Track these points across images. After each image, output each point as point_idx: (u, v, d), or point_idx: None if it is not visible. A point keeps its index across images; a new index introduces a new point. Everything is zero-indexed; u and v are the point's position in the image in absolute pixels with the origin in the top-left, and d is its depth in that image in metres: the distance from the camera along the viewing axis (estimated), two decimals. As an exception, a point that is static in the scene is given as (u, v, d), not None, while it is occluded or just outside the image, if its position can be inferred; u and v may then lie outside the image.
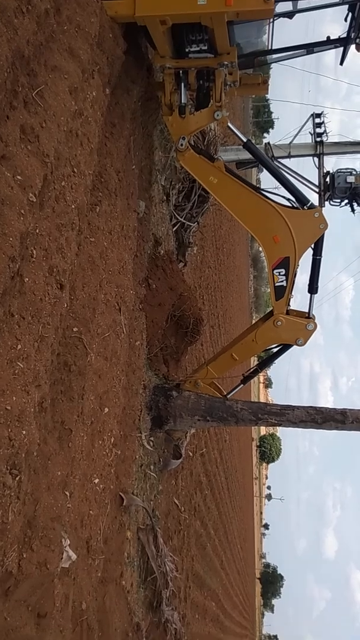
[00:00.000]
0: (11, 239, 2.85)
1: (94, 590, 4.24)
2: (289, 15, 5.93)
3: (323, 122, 13.15)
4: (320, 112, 13.27)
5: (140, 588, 5.82)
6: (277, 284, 6.38)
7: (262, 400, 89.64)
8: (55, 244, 3.51)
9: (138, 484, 5.96)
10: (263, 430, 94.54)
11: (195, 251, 10.91)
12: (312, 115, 13.26)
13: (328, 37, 6.51)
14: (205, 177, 6.20)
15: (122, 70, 5.17)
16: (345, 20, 6.28)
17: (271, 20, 5.74)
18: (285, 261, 6.26)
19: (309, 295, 6.71)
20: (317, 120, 13.16)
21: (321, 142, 13.05)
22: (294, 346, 6.72)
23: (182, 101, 5.77)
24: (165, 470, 7.20)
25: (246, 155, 10.43)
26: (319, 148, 13.03)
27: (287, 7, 5.96)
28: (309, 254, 6.43)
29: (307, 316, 6.58)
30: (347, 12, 6.12)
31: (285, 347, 6.82)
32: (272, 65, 7.36)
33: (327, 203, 12.68)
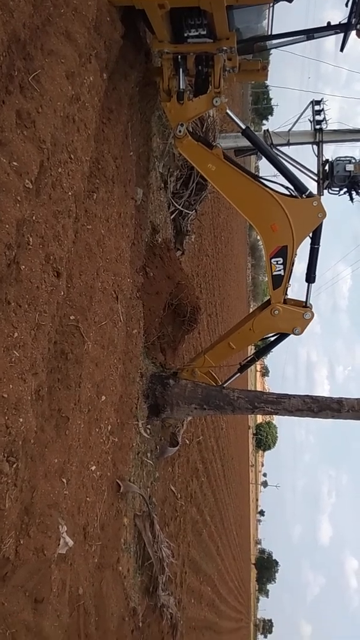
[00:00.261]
0: (7, 226, 2.83)
1: (91, 575, 4.28)
2: (289, -1, 5.83)
3: (323, 110, 13.06)
4: (320, 99, 13.17)
5: (137, 574, 5.88)
6: (274, 273, 6.36)
7: (258, 388, 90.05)
8: (52, 231, 3.49)
9: (135, 471, 5.99)
10: (259, 418, 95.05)
11: (193, 239, 10.86)
12: (311, 102, 13.17)
13: (328, 23, 6.43)
14: (204, 165, 6.16)
15: (120, 55, 5.10)
16: (346, 5, 6.20)
17: (271, 4, 5.65)
18: (283, 250, 6.25)
19: (306, 284, 6.71)
20: (317, 107, 13.07)
21: (320, 129, 12.97)
22: (291, 335, 6.73)
23: (181, 87, 5.70)
24: (162, 457, 7.24)
25: (245, 143, 10.36)
26: (318, 136, 12.95)
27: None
28: (306, 242, 6.42)
29: (305, 305, 6.58)
30: (348, -3, 6.05)
31: (282, 336, 6.83)
32: (272, 51, 7.28)
33: (325, 191, 12.62)
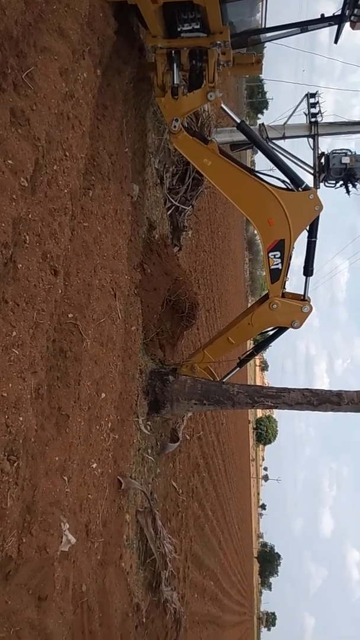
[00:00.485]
0: (3, 224, 2.82)
1: (94, 572, 4.29)
2: (283, -8, 5.81)
3: (318, 102, 13.02)
4: (314, 91, 13.13)
5: (140, 569, 5.90)
6: (272, 267, 6.36)
7: (258, 382, 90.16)
8: (48, 229, 3.48)
9: (136, 467, 6.01)
10: (260, 412, 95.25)
11: (190, 235, 10.84)
12: (306, 95, 13.13)
13: (322, 15, 6.40)
14: (199, 160, 6.14)
15: (114, 51, 5.07)
16: (340, -3, 6.17)
17: (264, -3, 5.63)
18: (281, 244, 6.24)
19: (304, 277, 6.71)
20: (312, 100, 13.04)
21: (316, 122, 12.93)
22: (290, 329, 6.73)
23: (175, 82, 5.68)
24: (162, 453, 7.25)
25: (240, 137, 10.33)
26: (313, 129, 12.92)
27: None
28: (304, 236, 6.41)
29: (303, 299, 6.59)
30: (341, -12, 6.01)
31: (281, 330, 6.83)
32: (266, 45, 7.24)
33: (322, 184, 12.61)
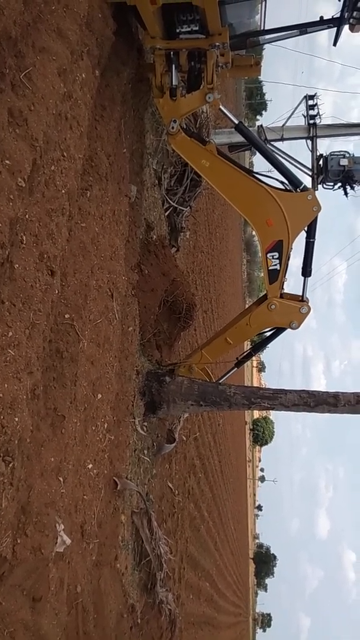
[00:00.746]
0: (0, 225, 2.82)
1: (89, 573, 4.29)
2: (282, -6, 5.82)
3: (316, 104, 13.01)
4: (313, 93, 13.12)
5: (135, 570, 5.89)
6: (270, 268, 6.37)
7: (255, 384, 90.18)
8: (46, 229, 3.48)
9: (132, 468, 6.00)
10: (256, 413, 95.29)
11: (188, 236, 10.85)
12: (305, 97, 13.11)
13: (321, 18, 6.40)
14: (197, 161, 6.15)
15: (112, 52, 5.07)
16: (339, 0, 6.18)
17: (263, -1, 5.64)
18: (279, 244, 6.25)
19: (302, 278, 6.71)
20: (310, 102, 13.01)
21: (314, 124, 12.92)
22: (288, 330, 6.74)
23: (173, 83, 5.69)
24: (159, 454, 7.25)
25: (239, 138, 10.32)
26: (312, 130, 12.91)
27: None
28: (302, 237, 6.42)
29: (301, 299, 6.59)
30: (341, -9, 6.02)
31: (279, 331, 6.84)
32: (265, 47, 7.25)
33: (320, 186, 12.61)
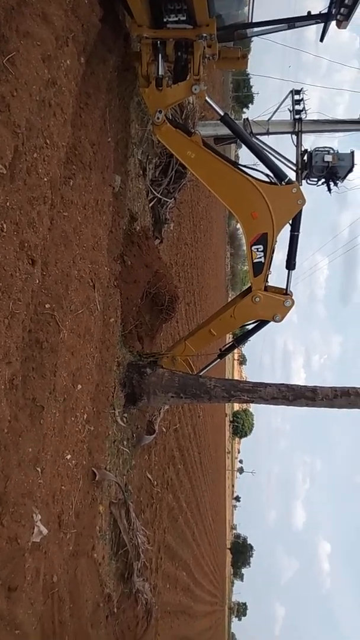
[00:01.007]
0: (-20, 212, 2.77)
1: (65, 563, 4.29)
2: (270, -13, 5.79)
3: (302, 99, 13.04)
4: (299, 88, 13.14)
5: (112, 560, 5.92)
6: (255, 260, 6.40)
7: (236, 376, 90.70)
8: (27, 218, 3.43)
9: (111, 459, 6.01)
10: (237, 406, 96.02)
11: (172, 228, 10.82)
12: (291, 91, 13.13)
13: (309, 13, 6.40)
14: (183, 152, 6.11)
15: (98, 39, 5.00)
16: (327, -5, 6.17)
17: (252, -9, 5.61)
18: (264, 237, 6.27)
19: (286, 271, 6.75)
20: (297, 97, 13.04)
21: (300, 119, 12.97)
22: (271, 322, 6.78)
23: (160, 73, 5.63)
24: (138, 445, 7.27)
25: (224, 131, 10.29)
26: (297, 125, 12.95)
27: (268, -22, 5.82)
28: (286, 231, 6.45)
29: (285, 293, 6.64)
30: (329, -13, 6.01)
31: (262, 323, 6.88)
32: (253, 39, 7.21)
33: (304, 182, 12.67)
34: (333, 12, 6.12)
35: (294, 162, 12.72)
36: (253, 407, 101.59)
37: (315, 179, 12.75)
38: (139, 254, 7.06)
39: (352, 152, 12.74)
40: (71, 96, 4.26)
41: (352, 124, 13.27)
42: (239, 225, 6.53)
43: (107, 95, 5.52)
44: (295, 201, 6.20)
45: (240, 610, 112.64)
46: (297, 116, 12.98)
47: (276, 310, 6.61)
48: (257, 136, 12.61)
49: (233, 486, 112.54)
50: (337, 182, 12.70)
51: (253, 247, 6.34)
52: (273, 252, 6.40)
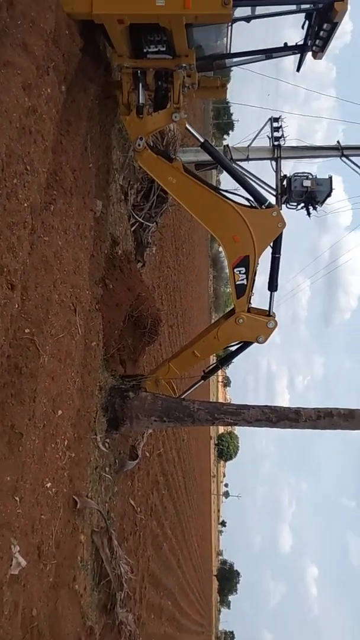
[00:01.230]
0: None
1: (46, 595, 4.16)
2: (247, 19, 5.98)
3: (281, 127, 13.39)
4: (278, 116, 13.50)
5: (94, 591, 5.76)
6: (237, 283, 6.47)
7: (220, 398, 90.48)
8: (6, 243, 3.43)
9: (93, 486, 5.90)
10: (221, 428, 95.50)
11: (154, 251, 10.88)
12: (270, 119, 13.48)
13: (285, 44, 6.61)
14: (164, 178, 6.20)
15: (79, 68, 5.09)
16: (303, 27, 6.39)
17: (229, 24, 5.78)
18: (245, 260, 6.35)
19: (269, 293, 6.81)
20: (275, 124, 13.39)
21: (279, 146, 13.28)
22: (254, 344, 6.81)
23: (140, 101, 5.74)
24: (121, 471, 7.15)
25: (205, 157, 10.49)
26: (276, 152, 13.26)
27: (245, 11, 6.01)
28: (267, 254, 6.54)
29: (268, 314, 6.69)
30: (304, 20, 6.23)
31: (245, 345, 6.91)
32: (233, 68, 7.41)
33: (284, 206, 12.92)
34: (309, 44, 6.33)
35: (274, 187, 12.98)
36: (238, 430, 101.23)
37: (295, 204, 13.02)
38: (121, 277, 7.07)
39: (330, 177, 13.08)
40: (52, 123, 4.31)
41: (330, 150, 13.63)
42: (221, 248, 6.60)
43: (88, 122, 5.60)
44: (275, 224, 6.31)
45: (227, 639, 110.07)
46: (275, 143, 13.30)
47: (259, 332, 6.66)
48: (238, 162, 12.88)
49: (219, 511, 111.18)
50: (316, 206, 12.97)
51: (235, 270, 6.41)
52: (255, 275, 6.47)
